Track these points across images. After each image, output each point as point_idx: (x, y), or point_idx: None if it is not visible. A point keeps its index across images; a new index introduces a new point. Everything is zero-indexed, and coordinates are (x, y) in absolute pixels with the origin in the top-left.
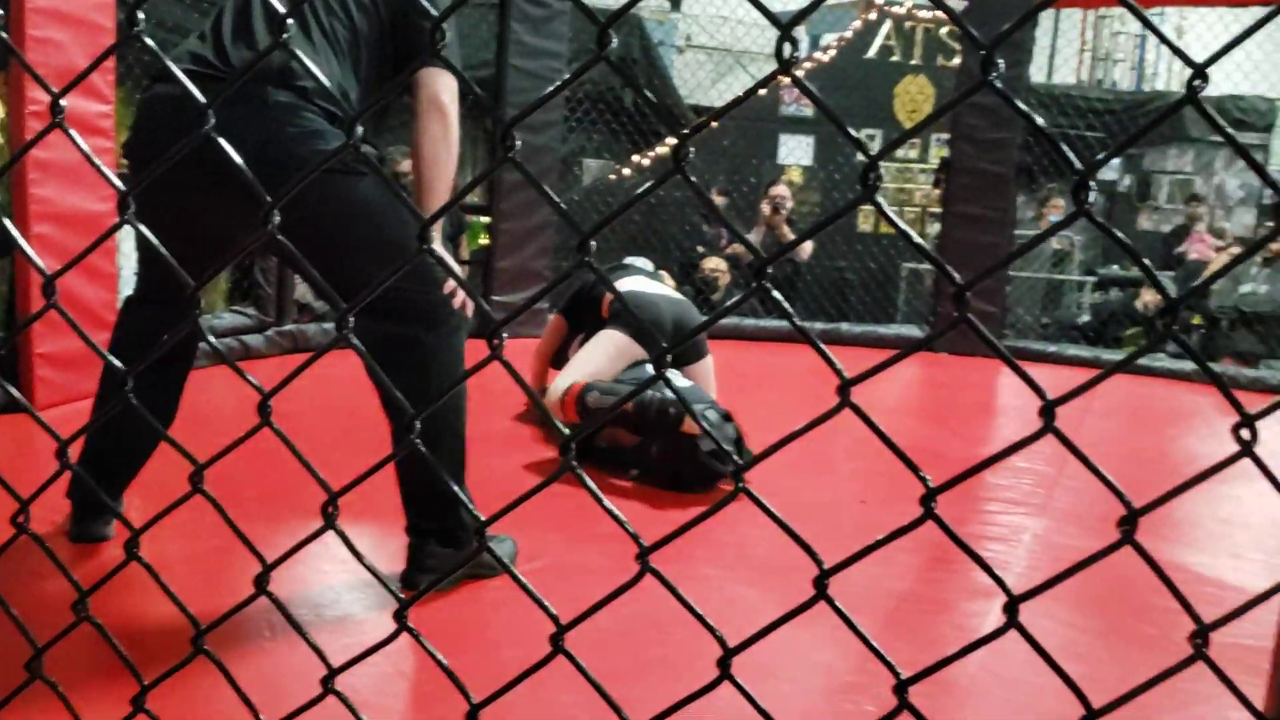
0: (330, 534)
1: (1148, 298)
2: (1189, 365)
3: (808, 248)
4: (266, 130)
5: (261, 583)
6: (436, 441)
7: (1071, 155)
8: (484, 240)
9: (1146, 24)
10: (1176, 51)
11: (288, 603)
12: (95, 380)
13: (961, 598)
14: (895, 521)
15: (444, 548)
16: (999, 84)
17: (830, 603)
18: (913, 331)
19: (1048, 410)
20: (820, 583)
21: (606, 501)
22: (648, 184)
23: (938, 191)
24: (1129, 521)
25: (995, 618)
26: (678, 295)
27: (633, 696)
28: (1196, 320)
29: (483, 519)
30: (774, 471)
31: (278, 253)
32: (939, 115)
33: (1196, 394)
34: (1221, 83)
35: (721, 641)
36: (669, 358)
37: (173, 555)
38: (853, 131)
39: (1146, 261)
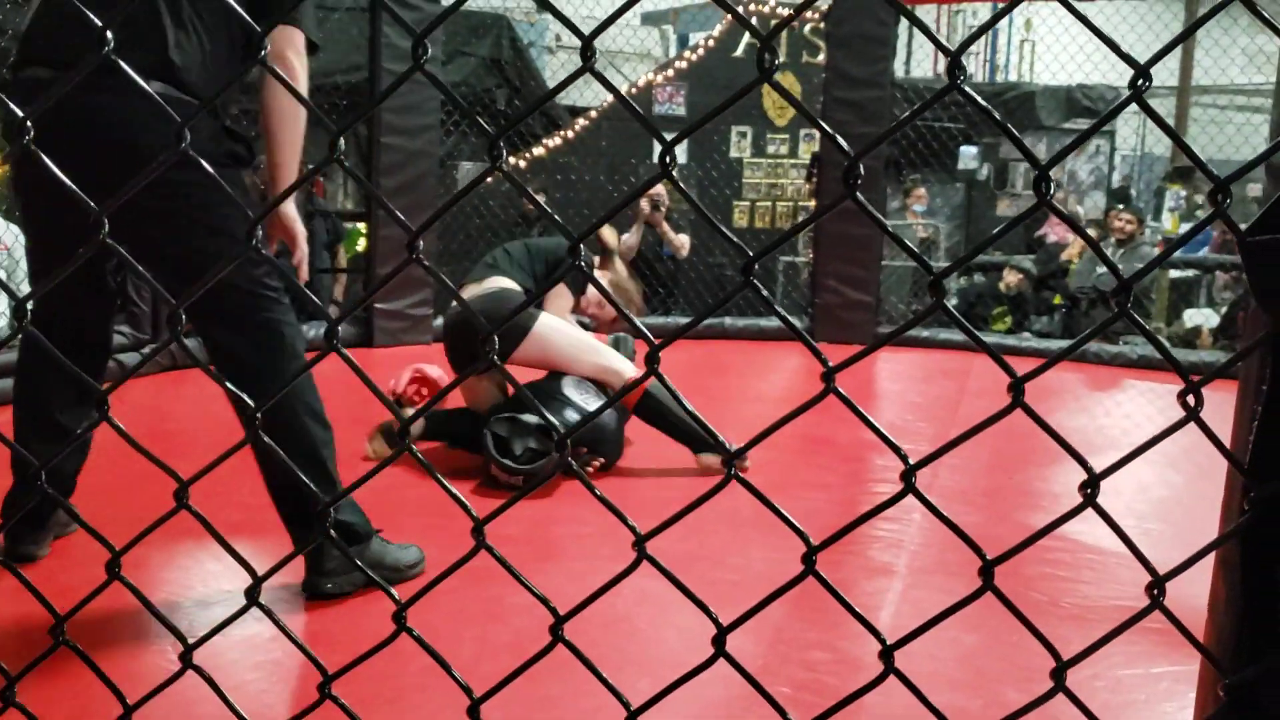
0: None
1: (1010, 279)
2: (1054, 344)
3: (686, 245)
4: (135, 120)
5: (252, 595)
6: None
7: (1030, 153)
8: (361, 247)
9: (1085, 22)
10: (1119, 53)
11: (192, 622)
12: None
13: (861, 577)
14: (795, 506)
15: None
16: (967, 88)
17: (818, 577)
18: (793, 322)
19: (1016, 386)
20: (809, 559)
21: (599, 492)
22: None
23: (809, 186)
24: (1091, 485)
25: (896, 594)
26: (492, 288)
27: (619, 684)
28: (1058, 300)
29: (479, 518)
30: (669, 457)
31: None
32: (909, 120)
33: (1062, 372)
34: (1075, 73)
35: (716, 621)
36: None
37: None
38: (841, 141)
39: (1092, 234)
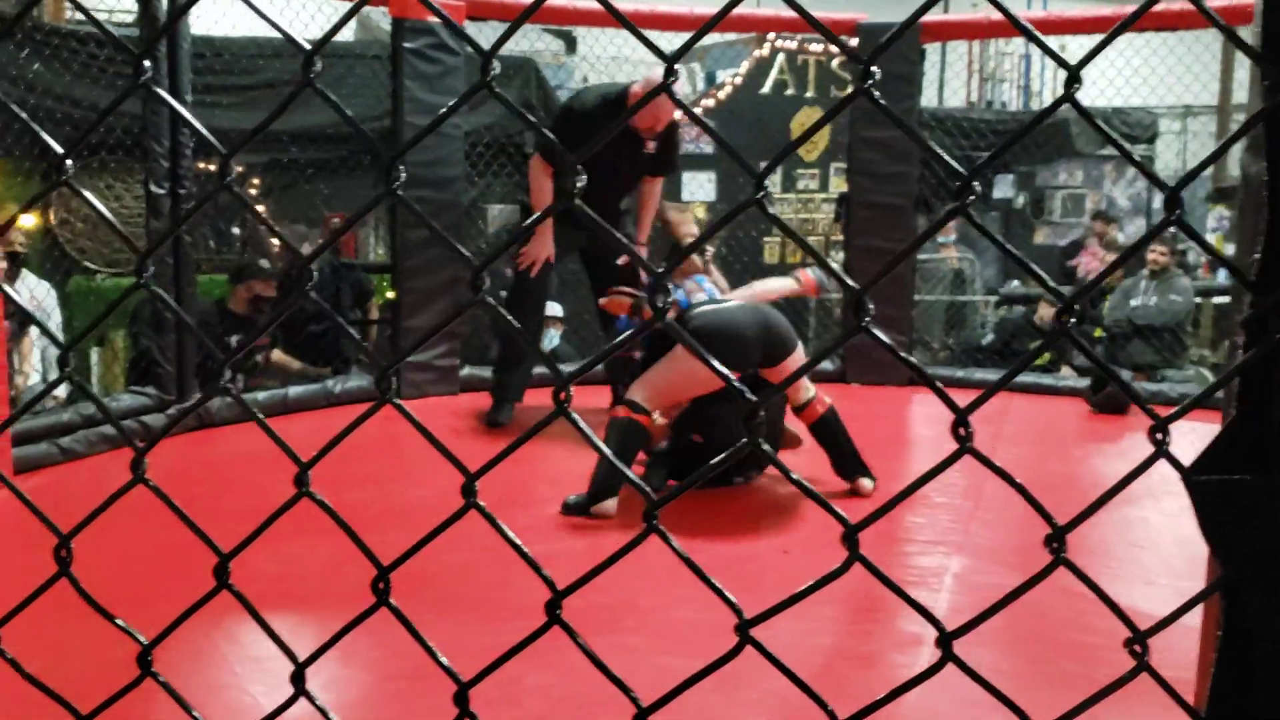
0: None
1: (1044, 312)
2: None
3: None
4: None
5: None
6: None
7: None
8: (391, 294)
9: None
10: (1054, 57)
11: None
12: None
13: (889, 649)
14: (820, 569)
15: None
16: (876, 94)
17: (758, 647)
18: (824, 364)
19: (961, 422)
20: (743, 631)
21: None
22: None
23: (837, 224)
24: (1057, 539)
25: (918, 669)
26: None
27: None
28: (1099, 333)
29: (557, 589)
30: (695, 520)
31: None
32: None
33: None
34: (1109, 94)
35: (635, 701)
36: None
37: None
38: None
39: (1008, 247)
